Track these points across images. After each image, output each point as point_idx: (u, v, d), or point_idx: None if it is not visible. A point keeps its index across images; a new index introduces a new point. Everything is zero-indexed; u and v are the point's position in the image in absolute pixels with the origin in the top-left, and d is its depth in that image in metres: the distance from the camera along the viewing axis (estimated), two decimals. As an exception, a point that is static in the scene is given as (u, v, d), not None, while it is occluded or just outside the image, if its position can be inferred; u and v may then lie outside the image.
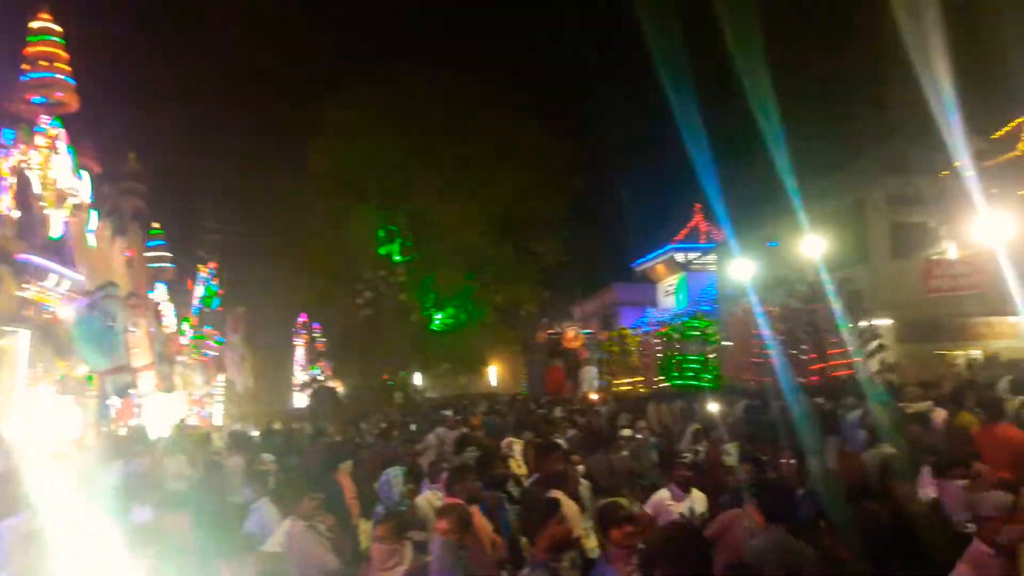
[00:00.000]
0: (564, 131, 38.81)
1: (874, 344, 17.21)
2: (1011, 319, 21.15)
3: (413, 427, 14.39)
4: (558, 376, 33.30)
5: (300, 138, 31.29)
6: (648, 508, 6.08)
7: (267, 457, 9.61)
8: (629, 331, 31.72)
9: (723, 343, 22.60)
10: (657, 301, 47.69)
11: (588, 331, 37.90)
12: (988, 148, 25.34)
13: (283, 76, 46.39)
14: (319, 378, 38.44)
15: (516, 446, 9.87)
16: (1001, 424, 7.94)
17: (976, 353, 21.97)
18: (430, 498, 6.38)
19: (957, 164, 17.16)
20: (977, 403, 9.54)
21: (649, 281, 49.83)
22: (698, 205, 45.93)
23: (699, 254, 44.35)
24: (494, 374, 45.80)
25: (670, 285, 46.80)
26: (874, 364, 16.32)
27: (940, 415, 9.42)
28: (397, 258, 31.55)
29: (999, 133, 25.45)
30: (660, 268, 47.73)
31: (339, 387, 36.53)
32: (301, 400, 42.78)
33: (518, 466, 9.28)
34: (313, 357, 47.43)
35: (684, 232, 46.59)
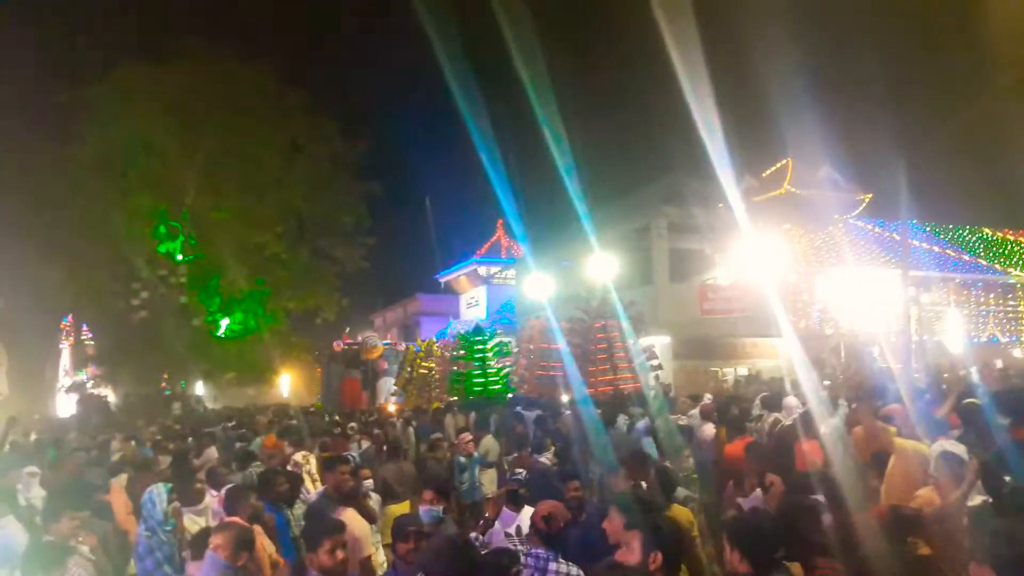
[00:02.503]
0: (364, 136, 38.55)
1: (655, 360, 18.60)
2: (772, 340, 23.71)
3: (191, 440, 13.60)
4: (355, 387, 32.82)
5: (67, 121, 28.43)
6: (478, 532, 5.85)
7: (30, 469, 8.72)
8: (435, 342, 31.99)
9: (518, 355, 23.41)
10: (460, 312, 48.42)
11: (387, 342, 37.74)
12: (758, 185, 28.39)
13: (49, 53, 42.13)
14: (87, 384, 35.13)
15: (311, 460, 9.69)
16: (740, 439, 8.99)
17: (742, 370, 24.33)
18: (193, 518, 6.13)
19: (731, 198, 19.01)
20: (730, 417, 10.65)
21: (453, 292, 50.48)
22: (501, 221, 47.31)
23: (500, 268, 45.62)
24: (286, 384, 44.28)
25: (472, 297, 47.68)
26: (652, 378, 17.64)
27: (708, 430, 10.28)
28: (179, 257, 29.61)
29: (767, 173, 28.63)
30: (463, 280, 48.51)
31: (110, 395, 33.66)
32: (67, 408, 38.95)
33: (312, 482, 9.10)
34: (81, 361, 43.30)
35: (487, 246, 47.72)
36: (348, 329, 37.83)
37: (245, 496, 5.87)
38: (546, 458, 8.79)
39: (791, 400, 10.31)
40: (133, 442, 13.38)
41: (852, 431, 8.16)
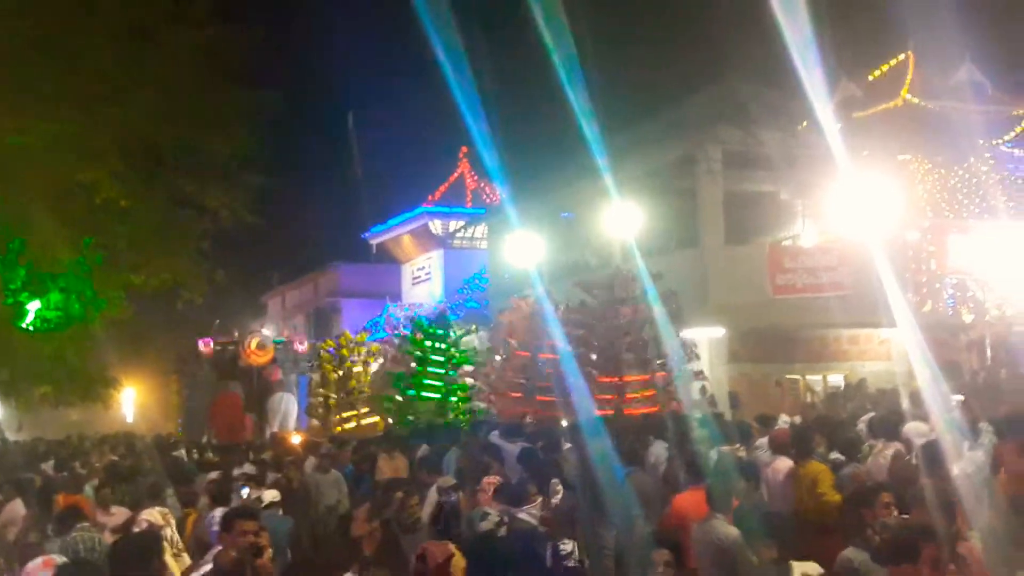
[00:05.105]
0: (254, 17, 38.06)
1: (696, 363, 18.81)
2: (883, 333, 23.89)
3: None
4: (234, 408, 32.88)
5: None
6: None
7: None
8: (363, 337, 32.02)
9: (492, 358, 23.51)
10: (401, 290, 48.41)
11: (280, 339, 37.71)
12: (862, 94, 28.42)
13: None
14: None
15: (171, 520, 9.80)
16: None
17: (836, 379, 24.56)
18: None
19: (819, 114, 19.05)
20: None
21: (391, 260, 50.39)
22: (465, 149, 47.10)
23: (465, 223, 45.58)
24: (130, 404, 44.21)
25: (422, 267, 47.66)
26: (698, 391, 17.84)
27: (783, 466, 10.46)
28: (-40, 207, 29.29)
29: (876, 73, 28.64)
30: (407, 241, 48.44)
31: None
32: None
33: (175, 555, 9.18)
34: None
35: (444, 188, 47.56)
36: (218, 322, 37.74)
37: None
38: (529, 513, 8.87)
39: (915, 427, 10.48)
40: None
41: (1002, 472, 8.31)
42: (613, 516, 9.39)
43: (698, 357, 19.35)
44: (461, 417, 21.81)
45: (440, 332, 23.32)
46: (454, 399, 22.19)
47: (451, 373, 22.59)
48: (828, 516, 8.93)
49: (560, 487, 10.16)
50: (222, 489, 11.44)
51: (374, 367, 31.06)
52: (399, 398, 23.85)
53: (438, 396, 21.99)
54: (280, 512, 11.43)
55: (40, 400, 33.29)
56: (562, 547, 7.90)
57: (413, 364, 23.95)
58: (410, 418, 22.25)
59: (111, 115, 29.92)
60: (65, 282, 31.67)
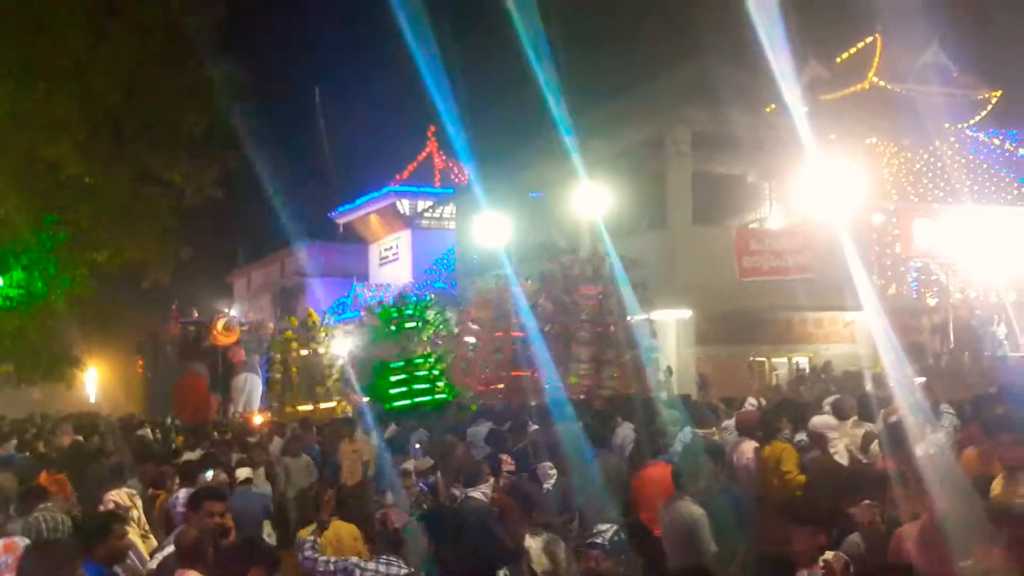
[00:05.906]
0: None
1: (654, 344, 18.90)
2: (848, 315, 24.03)
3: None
4: (198, 389, 32.70)
5: None
6: None
7: None
8: (326, 320, 31.92)
9: (460, 339, 23.50)
10: (369, 270, 48.22)
11: (246, 320, 37.57)
12: (829, 77, 28.49)
13: None
14: None
15: (137, 502, 9.80)
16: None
17: (801, 360, 24.71)
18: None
19: (787, 96, 19.09)
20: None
21: (358, 240, 50.18)
22: (433, 128, 46.89)
23: (433, 202, 45.43)
24: (93, 383, 43.88)
25: (389, 247, 47.50)
26: (663, 373, 17.92)
27: (749, 448, 10.48)
28: (-84, 179, 28.83)
29: (844, 56, 28.70)
30: (374, 221, 48.23)
31: None
32: None
33: (142, 537, 9.14)
34: None
35: (412, 167, 47.37)
36: (177, 302, 37.50)
37: (48, 557, 5.87)
38: (482, 492, 8.95)
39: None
40: None
41: (963, 455, 8.40)
42: (579, 496, 9.44)
43: (657, 348, 19.38)
44: (436, 393, 21.71)
45: (406, 311, 23.11)
46: (425, 373, 22.02)
47: (417, 354, 22.45)
48: (793, 496, 8.96)
49: (553, 471, 10.14)
50: (191, 470, 11.42)
51: (340, 348, 31.01)
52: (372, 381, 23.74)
53: (413, 375, 21.81)
54: (253, 488, 11.45)
55: (1, 379, 33.01)
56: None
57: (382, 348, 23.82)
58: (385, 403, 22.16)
59: (74, 88, 29.56)
60: (28, 259, 31.30)
